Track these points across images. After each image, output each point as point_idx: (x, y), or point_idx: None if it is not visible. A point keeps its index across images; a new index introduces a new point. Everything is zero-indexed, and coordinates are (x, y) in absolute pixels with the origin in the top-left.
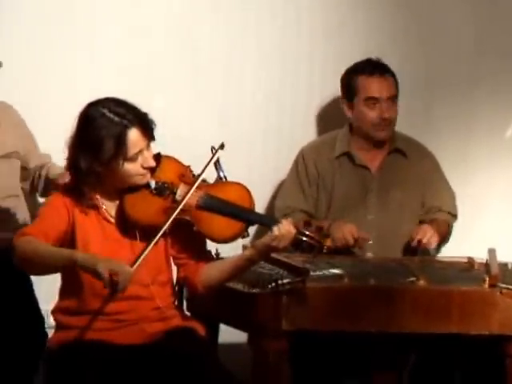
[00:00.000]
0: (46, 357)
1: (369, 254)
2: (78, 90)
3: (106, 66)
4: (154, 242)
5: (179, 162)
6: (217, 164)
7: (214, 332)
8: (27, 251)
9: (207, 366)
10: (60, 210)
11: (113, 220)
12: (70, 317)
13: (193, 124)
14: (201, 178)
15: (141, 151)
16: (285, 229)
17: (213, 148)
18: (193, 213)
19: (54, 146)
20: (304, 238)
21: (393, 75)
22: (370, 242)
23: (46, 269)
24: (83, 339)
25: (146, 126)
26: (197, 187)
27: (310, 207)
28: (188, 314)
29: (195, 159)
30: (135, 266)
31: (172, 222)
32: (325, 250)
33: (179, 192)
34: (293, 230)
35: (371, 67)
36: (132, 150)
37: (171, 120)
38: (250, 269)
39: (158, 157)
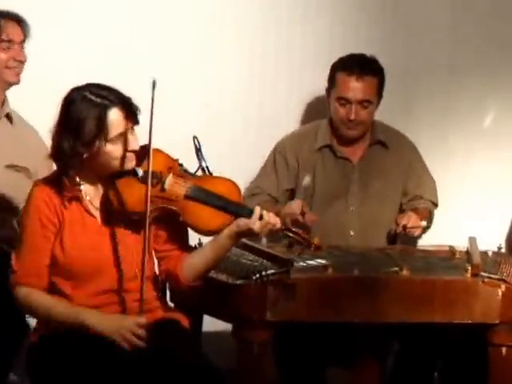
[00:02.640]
0: (27, 350)
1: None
2: (63, 69)
3: (84, 45)
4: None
5: (167, 155)
6: (199, 153)
7: (198, 323)
8: (38, 313)
9: (189, 358)
10: (45, 217)
11: (95, 211)
12: None
13: (176, 108)
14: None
15: (123, 133)
16: (269, 221)
17: (195, 138)
18: (180, 203)
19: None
20: (291, 235)
21: (376, 76)
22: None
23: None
24: (64, 332)
25: (129, 109)
26: (185, 179)
27: (278, 195)
28: (171, 305)
29: (178, 143)
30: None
31: (159, 210)
32: (312, 248)
33: (168, 181)
34: (276, 223)
35: (353, 65)
36: (113, 131)
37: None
38: (231, 248)
39: (145, 147)
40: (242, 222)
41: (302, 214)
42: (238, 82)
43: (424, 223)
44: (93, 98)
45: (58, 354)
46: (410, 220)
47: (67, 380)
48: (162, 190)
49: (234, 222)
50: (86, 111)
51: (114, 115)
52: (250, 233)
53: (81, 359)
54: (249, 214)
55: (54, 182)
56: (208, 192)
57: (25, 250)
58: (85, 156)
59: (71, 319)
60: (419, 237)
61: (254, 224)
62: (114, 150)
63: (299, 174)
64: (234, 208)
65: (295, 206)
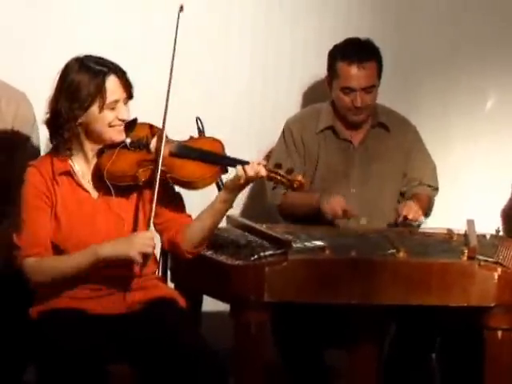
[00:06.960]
0: (28, 327)
1: (363, 221)
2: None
3: (88, 39)
4: (156, 189)
5: (154, 125)
6: (201, 135)
7: (197, 303)
8: (50, 278)
9: (184, 337)
10: (39, 191)
11: (88, 186)
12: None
13: (178, 96)
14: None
15: (118, 101)
16: (253, 169)
17: (198, 119)
18: (166, 160)
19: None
20: (277, 177)
21: (375, 59)
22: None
23: (75, 280)
24: (62, 308)
25: (125, 79)
26: (169, 141)
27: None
28: (171, 284)
29: (180, 131)
30: (151, 228)
31: (150, 172)
32: (295, 185)
33: (153, 143)
34: (261, 170)
35: (352, 53)
36: (110, 97)
37: (156, 91)
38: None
39: (134, 121)
40: (228, 181)
41: (344, 211)
42: (242, 66)
43: (422, 219)
44: (92, 65)
45: (57, 331)
46: (411, 211)
47: (66, 356)
48: (148, 151)
49: (224, 185)
50: (85, 76)
51: (112, 81)
52: (240, 187)
53: (79, 336)
54: (230, 163)
55: (46, 160)
56: (191, 147)
57: (25, 225)
58: (79, 121)
59: (87, 259)
60: (420, 225)
61: (241, 179)
62: (107, 116)
63: (305, 154)
64: (218, 159)
65: (335, 204)
